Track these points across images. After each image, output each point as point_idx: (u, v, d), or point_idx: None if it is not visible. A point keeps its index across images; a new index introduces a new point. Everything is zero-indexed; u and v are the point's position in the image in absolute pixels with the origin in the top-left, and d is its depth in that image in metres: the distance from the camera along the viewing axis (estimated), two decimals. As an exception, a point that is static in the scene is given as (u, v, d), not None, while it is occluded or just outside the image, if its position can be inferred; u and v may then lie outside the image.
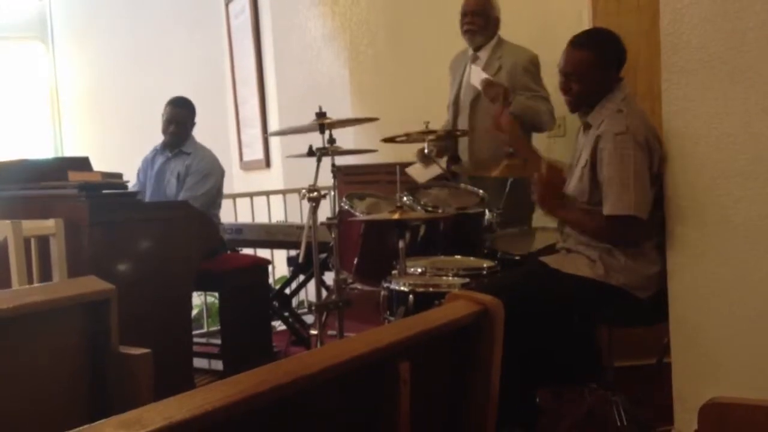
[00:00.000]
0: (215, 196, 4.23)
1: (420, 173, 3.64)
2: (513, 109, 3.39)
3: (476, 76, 3.61)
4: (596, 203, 2.64)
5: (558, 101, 3.80)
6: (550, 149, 4.23)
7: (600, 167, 2.62)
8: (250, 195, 5.35)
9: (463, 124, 3.82)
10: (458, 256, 3.24)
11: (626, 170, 2.53)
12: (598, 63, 2.68)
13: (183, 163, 4.21)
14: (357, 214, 3.41)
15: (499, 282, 2.81)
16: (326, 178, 3.41)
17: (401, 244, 2.99)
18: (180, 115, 4.27)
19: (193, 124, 4.33)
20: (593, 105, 2.73)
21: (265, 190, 5.48)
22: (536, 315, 2.54)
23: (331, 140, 3.25)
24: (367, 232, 3.38)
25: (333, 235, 3.33)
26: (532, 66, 3.71)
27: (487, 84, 3.48)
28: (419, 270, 3.04)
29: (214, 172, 4.23)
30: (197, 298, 4.95)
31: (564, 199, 2.75)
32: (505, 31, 4.61)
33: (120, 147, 6.23)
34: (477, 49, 3.80)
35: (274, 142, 6.08)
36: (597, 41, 2.74)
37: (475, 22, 3.78)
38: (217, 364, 4.13)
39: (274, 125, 5.84)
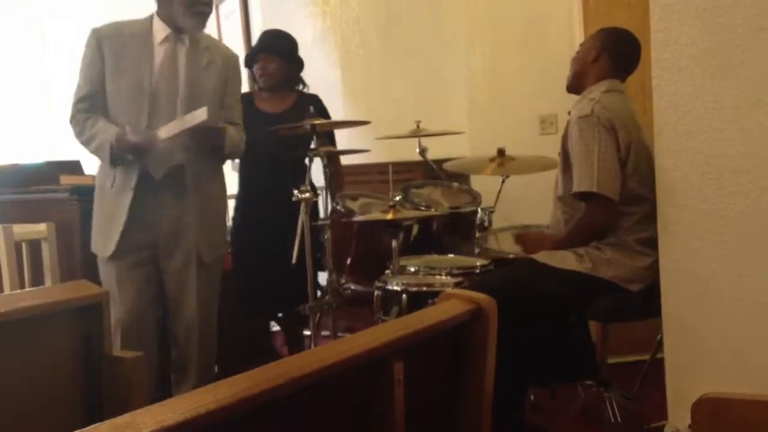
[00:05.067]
0: None
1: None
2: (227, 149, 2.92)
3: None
4: (570, 191, 2.70)
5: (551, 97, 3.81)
6: (542, 146, 4.24)
7: (570, 152, 2.68)
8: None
9: (159, 116, 2.82)
10: (451, 255, 3.24)
11: (590, 150, 2.59)
12: (592, 50, 2.80)
13: None
14: (349, 214, 3.41)
15: (490, 280, 2.81)
16: (318, 179, 3.42)
17: (394, 243, 2.99)
18: None
19: None
20: (579, 91, 2.84)
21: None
22: (528, 312, 2.54)
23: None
24: (360, 232, 3.38)
25: (326, 236, 3.33)
26: (239, 69, 3.17)
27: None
28: (412, 269, 3.04)
29: None
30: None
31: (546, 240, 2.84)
32: (496, 28, 4.62)
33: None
34: (179, 31, 2.87)
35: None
36: (606, 33, 2.84)
37: (210, 4, 3.02)
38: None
39: (265, 126, 5.82)
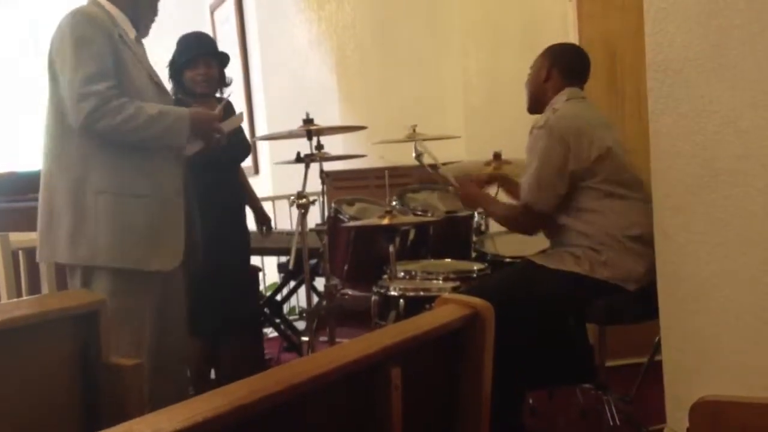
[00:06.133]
0: None
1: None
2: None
3: None
4: None
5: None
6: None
7: None
8: (240, 202, 5.33)
9: None
10: (448, 260, 3.24)
11: (534, 162, 2.70)
12: (542, 69, 2.90)
13: None
14: (346, 219, 3.41)
15: (487, 283, 2.82)
16: (315, 184, 3.42)
17: (391, 248, 2.99)
18: None
19: None
20: (540, 111, 2.90)
21: (254, 197, 5.46)
22: (526, 314, 2.55)
23: (319, 146, 3.25)
24: (357, 237, 3.38)
25: (323, 241, 3.33)
26: None
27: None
28: (410, 274, 3.04)
29: None
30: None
31: (481, 196, 3.02)
32: (491, 32, 4.63)
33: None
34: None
35: (263, 148, 6.08)
36: (550, 50, 2.95)
37: None
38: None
39: (262, 132, 5.84)
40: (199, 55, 3.41)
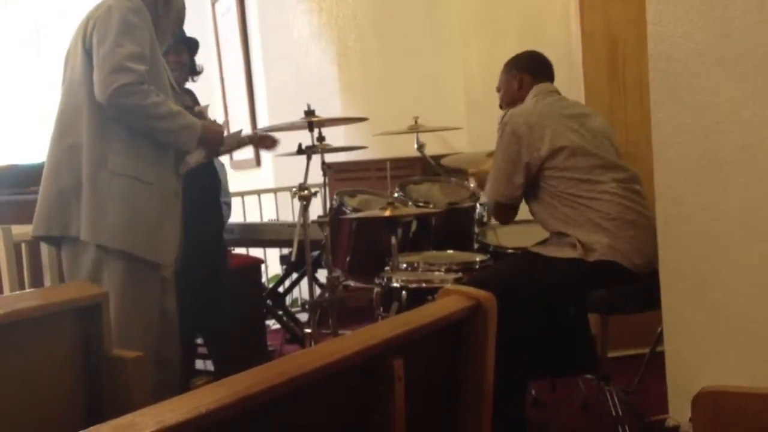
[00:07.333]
0: None
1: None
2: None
3: None
4: None
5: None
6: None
7: None
8: (241, 194, 5.32)
9: None
10: (450, 251, 3.25)
11: (495, 158, 2.82)
12: (512, 80, 2.99)
13: None
14: (348, 211, 3.41)
15: (488, 274, 2.82)
16: (316, 176, 3.42)
17: (393, 240, 2.99)
18: None
19: None
20: None
21: (255, 189, 5.47)
22: (527, 305, 2.55)
23: (321, 138, 3.25)
24: (358, 229, 3.38)
25: (325, 233, 3.33)
26: None
27: None
28: (412, 266, 3.04)
29: None
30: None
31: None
32: (492, 23, 4.61)
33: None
34: None
35: (264, 140, 6.07)
36: (511, 62, 3.05)
37: None
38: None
39: (263, 124, 5.84)
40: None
